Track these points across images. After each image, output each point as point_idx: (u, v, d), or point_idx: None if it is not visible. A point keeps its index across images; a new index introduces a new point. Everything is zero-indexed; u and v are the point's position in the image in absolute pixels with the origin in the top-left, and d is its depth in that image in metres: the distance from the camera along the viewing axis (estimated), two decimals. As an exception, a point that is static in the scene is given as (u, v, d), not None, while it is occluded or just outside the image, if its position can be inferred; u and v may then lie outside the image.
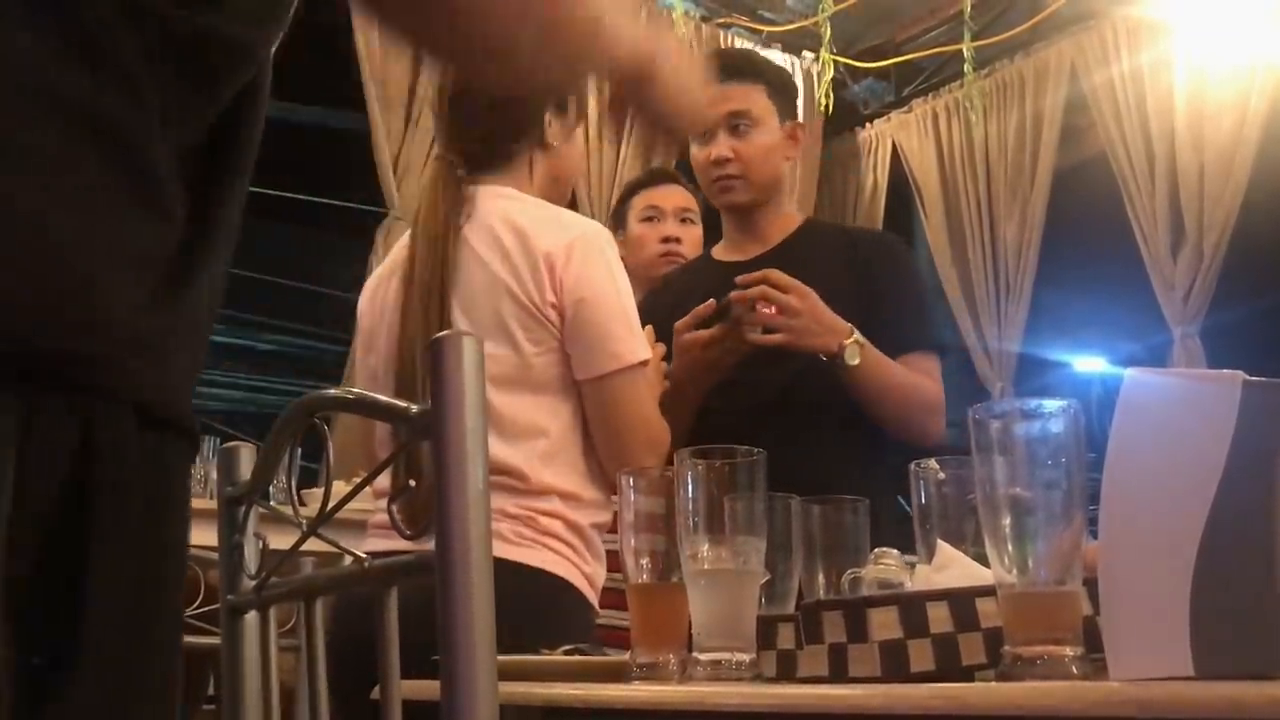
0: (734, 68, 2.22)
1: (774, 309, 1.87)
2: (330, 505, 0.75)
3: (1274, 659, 0.71)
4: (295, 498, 0.89)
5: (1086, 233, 5.28)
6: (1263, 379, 0.74)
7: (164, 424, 0.67)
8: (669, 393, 1.96)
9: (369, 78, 3.85)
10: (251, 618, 0.92)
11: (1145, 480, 0.78)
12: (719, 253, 2.29)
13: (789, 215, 2.28)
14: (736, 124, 2.14)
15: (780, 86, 2.26)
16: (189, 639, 1.65)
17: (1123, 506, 0.79)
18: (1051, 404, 0.91)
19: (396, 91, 3.92)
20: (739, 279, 1.90)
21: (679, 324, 1.93)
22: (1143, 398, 0.79)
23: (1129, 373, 0.78)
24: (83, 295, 0.61)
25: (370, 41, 3.87)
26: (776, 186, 2.25)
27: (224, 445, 0.98)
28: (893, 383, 1.98)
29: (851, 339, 1.90)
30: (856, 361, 1.90)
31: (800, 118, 2.35)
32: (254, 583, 0.91)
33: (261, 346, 8.46)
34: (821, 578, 1.32)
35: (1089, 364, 9.42)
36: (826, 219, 4.99)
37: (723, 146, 2.13)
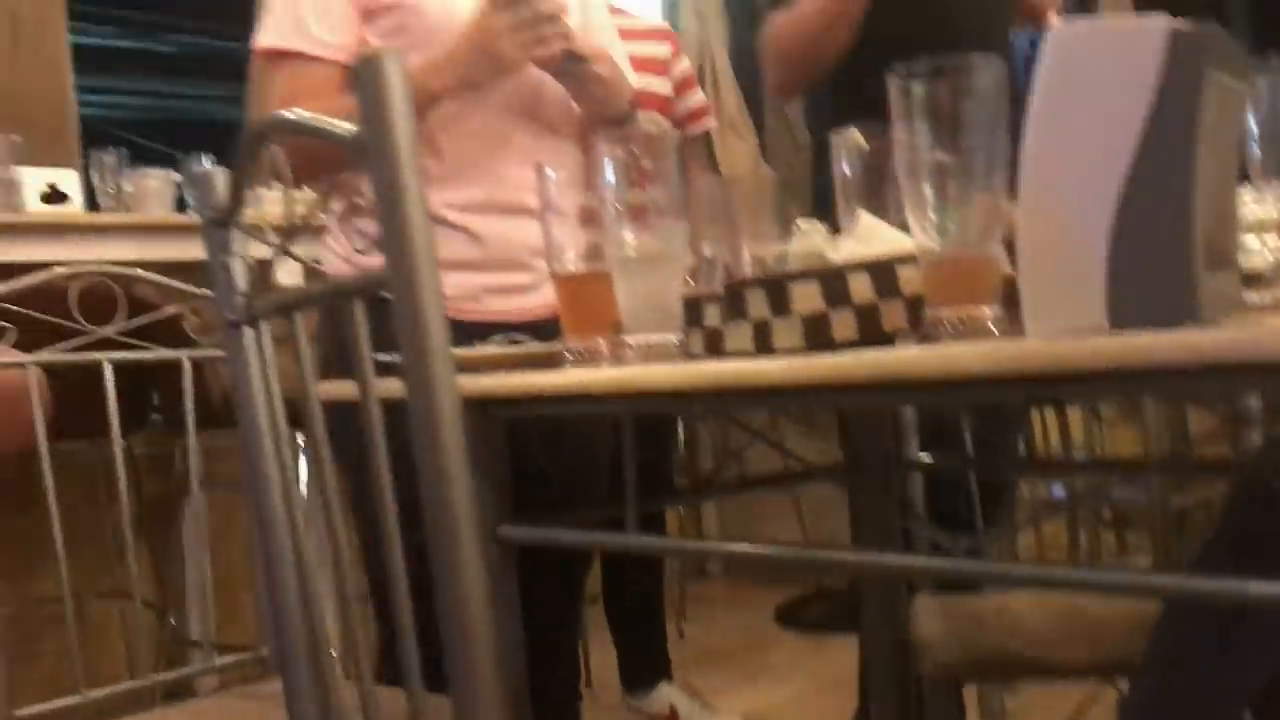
0: None
1: None
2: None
3: (1190, 308, 0.72)
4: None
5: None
6: (1188, 27, 0.71)
7: None
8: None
9: None
10: (249, 332, 0.98)
11: (1068, 132, 0.76)
12: None
13: None
14: None
15: None
16: (122, 355, 1.62)
17: (1045, 159, 0.77)
18: (976, 59, 0.88)
19: None
20: None
21: None
22: (1067, 48, 0.76)
23: (1056, 24, 0.75)
24: None
25: None
26: None
27: (197, 170, 0.99)
28: None
29: None
30: None
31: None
32: (244, 300, 0.98)
33: (161, 49, 8.01)
34: (747, 254, 1.31)
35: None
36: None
37: None
